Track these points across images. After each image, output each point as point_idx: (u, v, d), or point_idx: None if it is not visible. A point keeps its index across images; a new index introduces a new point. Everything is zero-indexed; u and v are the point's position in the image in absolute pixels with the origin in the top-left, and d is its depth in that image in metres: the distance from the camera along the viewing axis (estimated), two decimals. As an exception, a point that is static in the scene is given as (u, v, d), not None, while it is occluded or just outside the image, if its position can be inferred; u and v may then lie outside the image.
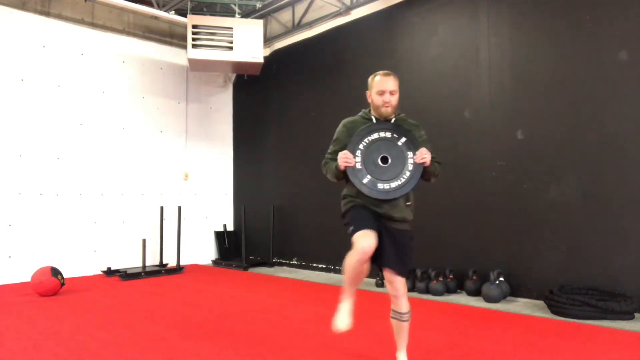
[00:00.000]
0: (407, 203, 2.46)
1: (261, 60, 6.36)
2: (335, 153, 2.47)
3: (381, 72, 2.57)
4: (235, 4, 6.68)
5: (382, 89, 2.49)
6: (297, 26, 6.97)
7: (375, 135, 2.41)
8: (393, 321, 2.54)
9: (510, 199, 4.68)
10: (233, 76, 8.11)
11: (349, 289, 2.41)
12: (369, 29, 6.09)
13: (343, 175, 2.43)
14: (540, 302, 4.28)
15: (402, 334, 2.54)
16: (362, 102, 6.95)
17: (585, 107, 4.26)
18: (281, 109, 7.30)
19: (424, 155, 2.37)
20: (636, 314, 3.77)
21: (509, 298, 4.52)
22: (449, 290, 4.81)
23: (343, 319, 2.35)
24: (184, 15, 6.45)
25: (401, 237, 2.46)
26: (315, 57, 6.78)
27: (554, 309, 3.89)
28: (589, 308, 3.72)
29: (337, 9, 6.33)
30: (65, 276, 5.26)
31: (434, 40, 5.37)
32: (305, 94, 6.92)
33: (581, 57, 4.30)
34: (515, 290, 4.56)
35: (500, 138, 4.78)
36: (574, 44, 4.34)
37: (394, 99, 2.51)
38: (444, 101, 5.23)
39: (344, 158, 2.35)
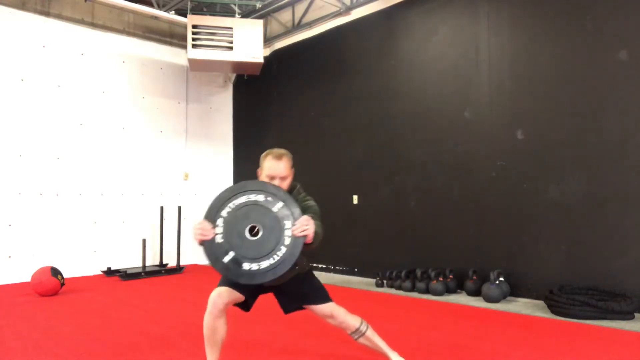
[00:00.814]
0: (296, 267, 2.09)
1: (261, 60, 6.35)
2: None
3: (273, 152, 2.29)
4: (235, 4, 6.68)
5: (272, 174, 2.22)
6: (297, 26, 6.97)
7: (243, 199, 1.93)
8: (359, 340, 2.46)
9: (510, 199, 4.68)
10: (233, 76, 8.11)
11: (210, 354, 2.25)
12: (369, 29, 6.09)
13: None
14: (540, 302, 4.28)
15: (375, 342, 2.48)
16: (362, 102, 6.95)
17: (585, 107, 4.26)
18: (281, 108, 7.30)
19: (305, 227, 1.93)
20: (636, 314, 3.77)
21: (509, 298, 4.52)
22: (449, 290, 4.81)
23: None
24: (184, 15, 6.45)
25: (300, 278, 2.31)
26: (315, 57, 6.78)
27: (554, 309, 3.89)
28: (589, 308, 3.72)
29: (337, 9, 6.33)
30: (65, 276, 5.26)
31: (434, 40, 5.37)
32: (305, 94, 6.92)
33: (581, 57, 4.30)
34: (515, 290, 4.56)
35: (500, 138, 4.78)
36: (574, 44, 4.34)
37: (284, 184, 2.23)
38: (444, 101, 5.23)
39: (199, 229, 1.92)
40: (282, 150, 2.31)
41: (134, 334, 3.44)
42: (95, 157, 6.53)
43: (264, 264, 1.89)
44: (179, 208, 6.95)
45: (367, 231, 5.99)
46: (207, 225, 1.94)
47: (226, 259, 1.90)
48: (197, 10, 6.81)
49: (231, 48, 6.22)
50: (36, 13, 6.13)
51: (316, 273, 7.16)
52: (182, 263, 6.87)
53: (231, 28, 6.24)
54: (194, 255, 7.44)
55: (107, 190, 6.62)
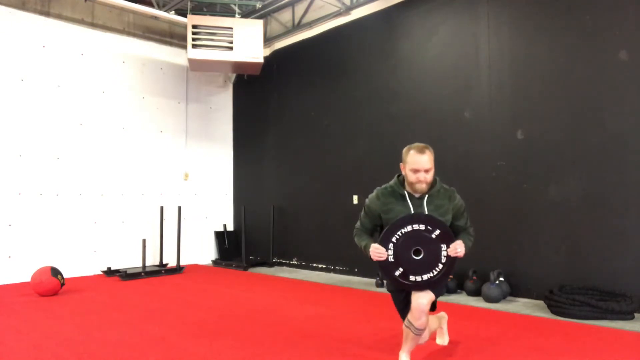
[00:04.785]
0: (449, 278, 2.58)
1: (261, 60, 6.35)
2: (365, 226, 2.63)
3: (416, 147, 2.50)
4: (235, 4, 6.68)
5: (416, 168, 2.45)
6: (297, 26, 6.97)
7: (408, 228, 2.42)
8: (405, 329, 2.56)
9: (510, 199, 4.68)
10: (233, 76, 8.11)
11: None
12: (369, 29, 6.09)
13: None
14: (540, 302, 4.28)
15: (409, 341, 2.57)
16: (362, 102, 6.91)
17: (585, 107, 4.26)
18: (281, 109, 7.30)
19: (457, 250, 2.40)
20: (636, 314, 3.77)
21: (509, 298, 4.52)
22: (449, 290, 4.81)
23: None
24: (184, 15, 6.45)
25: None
26: (315, 57, 6.78)
27: (554, 309, 3.89)
28: (589, 308, 3.72)
29: (337, 9, 6.33)
30: (65, 276, 5.26)
31: (434, 40, 5.37)
32: (305, 94, 6.92)
33: (581, 57, 4.30)
34: (515, 290, 4.56)
35: (500, 138, 4.78)
36: (574, 44, 4.34)
37: (428, 177, 2.48)
38: (444, 101, 5.23)
39: (376, 253, 2.43)
40: (424, 145, 2.53)
41: (134, 334, 3.44)
42: (95, 157, 6.53)
43: (425, 276, 2.43)
44: (179, 208, 6.95)
45: (367, 231, 5.97)
46: (382, 249, 2.44)
47: (397, 273, 2.44)
48: (197, 10, 6.81)
49: (231, 48, 6.22)
50: (36, 13, 6.13)
51: (316, 273, 7.14)
52: (182, 263, 6.87)
53: (231, 28, 6.25)
54: (194, 255, 7.45)
55: (107, 190, 6.62)
